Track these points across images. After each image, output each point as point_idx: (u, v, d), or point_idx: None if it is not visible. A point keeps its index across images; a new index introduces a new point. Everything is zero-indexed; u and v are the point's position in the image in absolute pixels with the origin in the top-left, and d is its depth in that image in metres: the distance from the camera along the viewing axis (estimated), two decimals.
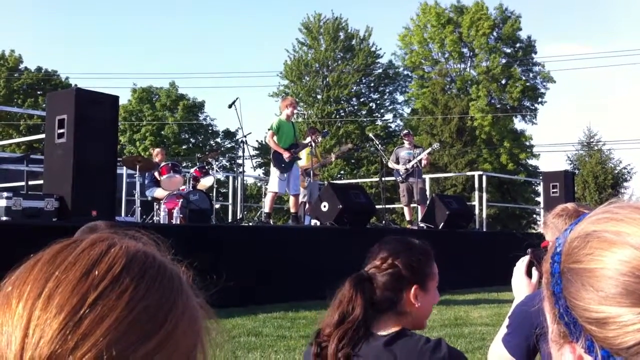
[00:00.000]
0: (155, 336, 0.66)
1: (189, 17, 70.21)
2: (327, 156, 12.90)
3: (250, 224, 11.42)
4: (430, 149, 13.67)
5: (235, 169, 15.34)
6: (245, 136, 11.05)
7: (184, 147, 43.63)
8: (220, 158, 39.01)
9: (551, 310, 0.79)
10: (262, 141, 38.02)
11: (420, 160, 12.77)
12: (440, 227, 12.54)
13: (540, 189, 19.05)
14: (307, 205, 11.94)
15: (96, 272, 0.66)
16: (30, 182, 9.86)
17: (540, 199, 17.29)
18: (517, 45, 42.60)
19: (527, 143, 42.09)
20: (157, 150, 12.15)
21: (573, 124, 73.95)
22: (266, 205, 11.31)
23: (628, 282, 0.69)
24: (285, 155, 10.66)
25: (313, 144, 11.59)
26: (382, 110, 45.09)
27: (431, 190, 17.44)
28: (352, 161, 42.46)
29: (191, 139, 45.07)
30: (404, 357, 1.93)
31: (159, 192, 10.62)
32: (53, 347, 0.61)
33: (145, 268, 0.69)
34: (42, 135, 8.61)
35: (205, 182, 11.20)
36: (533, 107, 43.05)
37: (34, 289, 0.65)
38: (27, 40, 66.97)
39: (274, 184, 10.86)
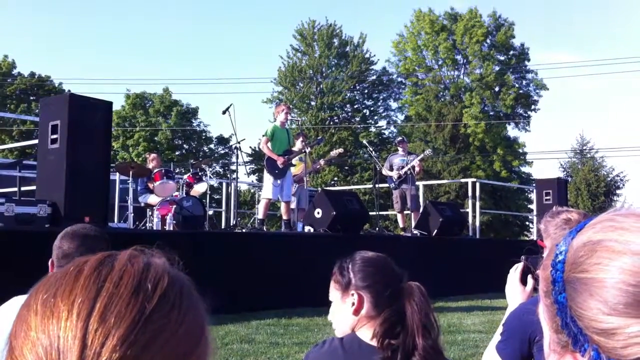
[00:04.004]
0: (196, 350, 0.70)
1: (183, 23, 70.29)
2: (317, 162, 12.88)
3: (244, 230, 11.39)
4: (422, 155, 13.66)
5: (228, 175, 15.33)
6: (239, 142, 11.04)
7: (177, 153, 43.56)
8: (214, 164, 39.02)
9: (551, 319, 0.78)
10: (255, 147, 38.01)
11: (413, 167, 12.77)
12: (433, 234, 12.55)
13: (533, 196, 19.08)
14: (297, 212, 11.93)
15: (148, 287, 0.69)
16: (23, 188, 9.83)
17: (533, 206, 17.33)
18: (511, 52, 42.72)
19: (520, 150, 42.16)
20: (153, 155, 12.10)
21: (566, 132, 74.23)
22: (260, 211, 11.29)
23: (637, 293, 0.69)
24: (279, 161, 10.65)
25: (307, 151, 11.60)
26: (375, 117, 45.18)
27: (424, 197, 17.46)
28: (346, 168, 42.49)
29: (185, 145, 44.99)
30: None
31: (152, 198, 10.58)
32: (115, 359, 0.63)
33: (182, 286, 0.73)
34: (35, 141, 8.58)
35: (199, 189, 11.17)
36: (526, 115, 43.15)
37: (86, 301, 0.66)
38: (21, 46, 66.87)
39: (267, 190, 10.85)
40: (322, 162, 12.98)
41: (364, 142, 19.68)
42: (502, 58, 42.67)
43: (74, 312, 0.65)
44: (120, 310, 0.65)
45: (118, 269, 0.70)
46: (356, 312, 2.08)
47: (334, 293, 2.17)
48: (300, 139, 11.84)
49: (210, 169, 12.32)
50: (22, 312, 0.69)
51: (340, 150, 14.72)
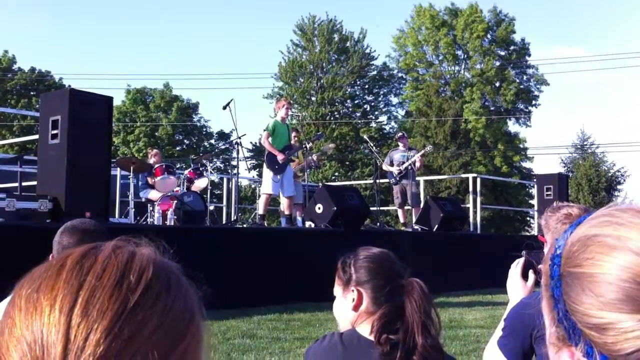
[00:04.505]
0: (185, 340, 0.69)
1: (183, 18, 70.20)
2: (310, 157, 12.87)
3: (245, 225, 11.40)
4: (423, 151, 13.66)
5: (229, 171, 15.34)
6: (239, 138, 11.03)
7: (178, 148, 43.57)
8: (215, 160, 39.03)
9: (550, 312, 0.78)
10: (256, 143, 38.01)
11: (414, 162, 12.78)
12: (434, 229, 12.55)
13: (534, 191, 19.08)
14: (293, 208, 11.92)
15: (131, 278, 0.68)
16: (24, 183, 9.83)
17: (534, 201, 17.34)
18: (511, 48, 42.69)
19: (521, 146, 42.17)
20: (155, 151, 12.10)
21: (567, 127, 74.19)
22: (260, 207, 11.29)
23: (629, 289, 0.69)
24: (279, 157, 10.64)
25: (307, 146, 11.59)
26: (376, 112, 45.19)
27: (425, 193, 17.46)
28: (347, 163, 42.49)
29: (185, 141, 45.01)
30: None
31: (153, 194, 10.59)
32: (99, 353, 0.63)
33: (169, 275, 0.72)
34: (36, 136, 8.58)
35: (200, 184, 11.17)
36: (527, 110, 43.16)
37: (68, 295, 0.66)
38: (21, 41, 66.82)
39: (267, 185, 10.84)
40: (314, 157, 12.99)
41: (365, 137, 19.68)
42: (502, 53, 42.66)
43: (56, 307, 0.64)
44: (103, 303, 0.65)
45: (101, 261, 0.69)
46: (356, 307, 2.10)
47: (337, 288, 2.20)
48: (293, 133, 11.82)
49: (211, 165, 12.33)
50: (7, 308, 0.68)
51: (332, 145, 14.75)
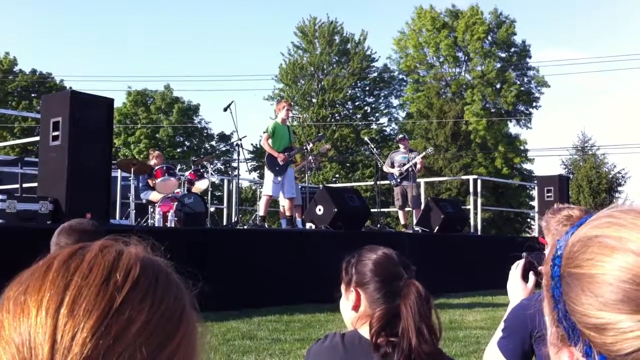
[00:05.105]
0: (176, 337, 0.68)
1: (184, 20, 70.21)
2: (309, 159, 12.86)
3: (245, 227, 11.39)
4: (424, 153, 13.69)
5: (230, 172, 15.33)
6: (240, 139, 11.04)
7: (178, 150, 43.56)
8: (215, 161, 39.01)
9: (550, 312, 0.78)
10: (257, 144, 38.02)
11: (415, 164, 12.79)
12: (435, 231, 12.55)
13: (534, 193, 19.08)
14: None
15: (118, 277, 0.68)
16: (25, 185, 9.83)
17: (535, 203, 17.35)
18: (512, 49, 42.67)
19: (522, 147, 42.13)
20: (157, 152, 12.09)
21: (567, 129, 74.17)
22: (261, 208, 11.29)
23: (628, 289, 0.69)
24: (280, 158, 10.65)
25: (308, 147, 11.60)
26: (377, 114, 45.16)
27: (426, 194, 17.47)
28: (347, 165, 42.50)
29: (186, 142, 45.00)
30: None
31: (153, 195, 10.59)
32: (86, 352, 0.62)
33: (157, 272, 0.71)
34: (37, 138, 8.59)
35: (200, 185, 11.17)
36: (527, 112, 43.12)
37: (55, 296, 0.66)
38: (22, 43, 66.84)
39: (268, 187, 10.84)
40: (311, 158, 13.00)
41: (366, 138, 19.71)
42: (503, 55, 42.62)
43: (43, 308, 0.65)
44: (89, 302, 0.65)
45: (87, 260, 0.69)
46: (355, 308, 2.11)
47: (342, 288, 2.20)
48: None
49: (212, 166, 12.33)
50: None
51: (328, 145, 14.75)
